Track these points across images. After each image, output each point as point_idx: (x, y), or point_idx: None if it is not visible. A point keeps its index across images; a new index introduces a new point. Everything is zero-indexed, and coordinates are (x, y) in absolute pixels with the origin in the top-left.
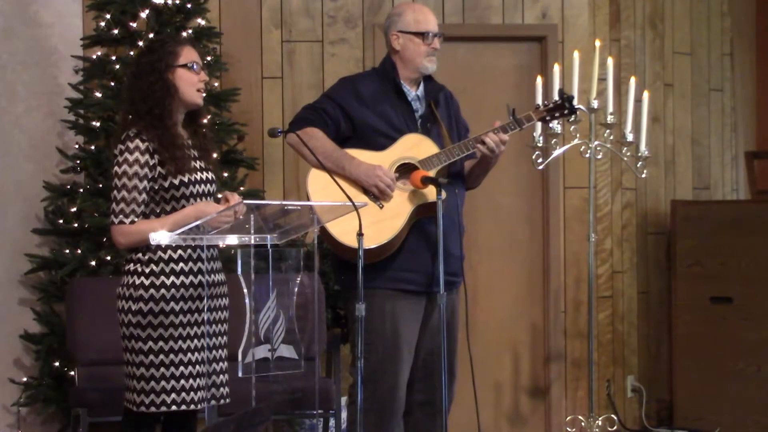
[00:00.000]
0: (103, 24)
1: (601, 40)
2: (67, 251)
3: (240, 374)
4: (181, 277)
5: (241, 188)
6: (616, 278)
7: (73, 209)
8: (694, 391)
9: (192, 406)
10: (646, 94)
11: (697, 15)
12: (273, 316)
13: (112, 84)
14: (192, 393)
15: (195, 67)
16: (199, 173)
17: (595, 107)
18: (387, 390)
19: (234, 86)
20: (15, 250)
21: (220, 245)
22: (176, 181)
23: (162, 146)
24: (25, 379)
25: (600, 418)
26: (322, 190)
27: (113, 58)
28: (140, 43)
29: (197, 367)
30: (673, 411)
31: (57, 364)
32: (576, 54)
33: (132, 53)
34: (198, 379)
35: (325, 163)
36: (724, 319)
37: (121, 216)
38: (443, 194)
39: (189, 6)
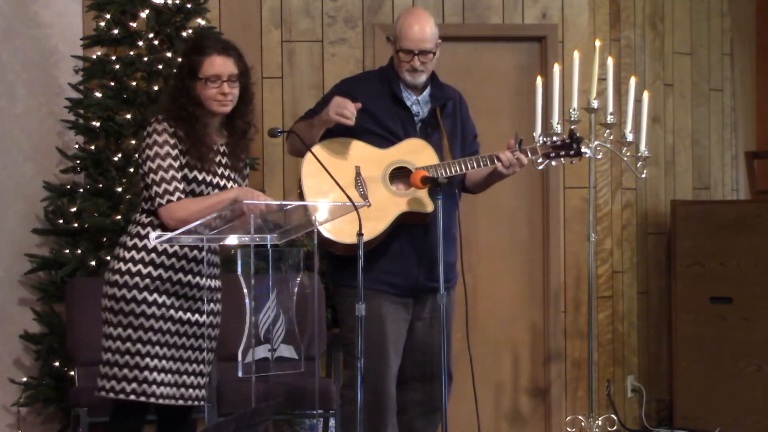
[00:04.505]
0: (103, 24)
1: (601, 40)
2: (67, 251)
3: (240, 374)
4: (160, 270)
5: None
6: (616, 278)
7: (73, 209)
8: (694, 391)
9: (152, 399)
10: (646, 94)
11: (697, 15)
12: (273, 316)
13: (112, 84)
14: (154, 386)
15: (215, 81)
16: (219, 178)
17: (595, 107)
18: (376, 389)
19: None
20: (15, 250)
21: (215, 246)
22: (198, 176)
23: (188, 137)
24: (25, 379)
25: (600, 418)
26: (314, 175)
27: (113, 58)
28: (140, 43)
29: (164, 362)
30: (673, 411)
31: (57, 364)
32: (576, 54)
33: (132, 53)
34: (164, 375)
35: (307, 137)
36: (724, 319)
37: (167, 196)
38: (437, 198)
39: (189, 6)
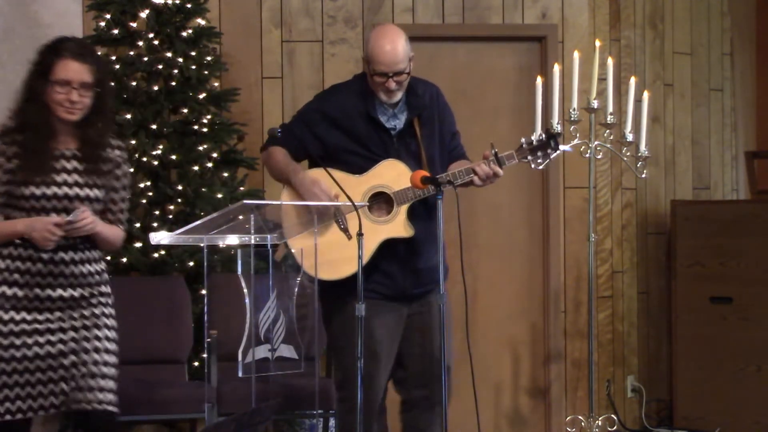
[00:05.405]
0: (103, 24)
1: (601, 40)
2: None
3: (240, 374)
4: (14, 289)
5: (241, 188)
6: (616, 278)
7: None
8: (694, 391)
9: (19, 415)
10: (646, 94)
11: (697, 15)
12: (273, 316)
13: (112, 84)
14: (19, 402)
15: (64, 85)
16: (67, 187)
17: (595, 107)
18: (363, 391)
19: (234, 86)
20: None
21: (92, 255)
22: (35, 191)
23: (24, 148)
24: None
25: (600, 418)
26: (289, 198)
27: (113, 58)
28: (140, 43)
29: (27, 376)
30: (673, 411)
31: None
32: (576, 54)
33: (132, 53)
34: (30, 388)
35: (279, 179)
36: (724, 319)
37: None
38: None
39: (189, 6)
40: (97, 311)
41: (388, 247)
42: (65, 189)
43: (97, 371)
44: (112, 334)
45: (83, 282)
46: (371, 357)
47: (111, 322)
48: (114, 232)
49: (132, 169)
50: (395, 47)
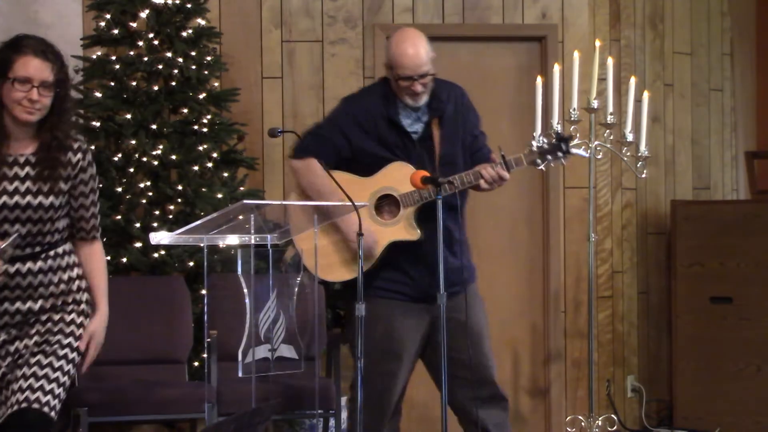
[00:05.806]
0: (103, 24)
1: (601, 40)
2: None
3: (240, 374)
4: None
5: (241, 188)
6: (616, 278)
7: None
8: (694, 391)
9: None
10: (646, 94)
11: (697, 15)
12: (273, 316)
13: (112, 84)
14: None
15: (24, 83)
16: (16, 197)
17: (595, 107)
18: (378, 391)
19: (234, 86)
20: None
21: (45, 266)
22: None
23: None
24: None
25: (600, 418)
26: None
27: (113, 58)
28: (140, 43)
29: None
30: (673, 411)
31: None
32: (576, 54)
33: (132, 53)
34: None
35: (314, 198)
36: (724, 319)
37: None
38: (438, 195)
39: (189, 6)
40: (56, 317)
41: (409, 248)
42: (16, 198)
43: (39, 372)
44: (68, 340)
45: (45, 293)
46: (393, 358)
47: (73, 329)
48: (101, 269)
49: (132, 169)
50: (418, 50)
